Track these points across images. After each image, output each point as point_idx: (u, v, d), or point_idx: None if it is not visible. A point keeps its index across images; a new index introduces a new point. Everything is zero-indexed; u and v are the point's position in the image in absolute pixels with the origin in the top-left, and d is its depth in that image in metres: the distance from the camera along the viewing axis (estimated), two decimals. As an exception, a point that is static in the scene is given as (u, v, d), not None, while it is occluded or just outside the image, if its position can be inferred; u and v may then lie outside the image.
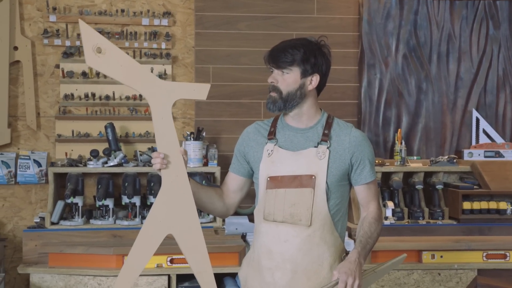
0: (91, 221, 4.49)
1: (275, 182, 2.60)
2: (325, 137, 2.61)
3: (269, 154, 2.65)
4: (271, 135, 2.68)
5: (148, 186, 4.52)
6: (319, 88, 2.68)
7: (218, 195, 2.73)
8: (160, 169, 2.46)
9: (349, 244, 3.87)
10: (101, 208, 4.53)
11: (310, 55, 2.60)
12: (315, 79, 2.63)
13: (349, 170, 2.63)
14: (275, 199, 2.59)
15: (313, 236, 2.55)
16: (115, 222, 4.47)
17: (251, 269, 2.69)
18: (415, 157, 4.96)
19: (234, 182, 2.78)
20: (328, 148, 2.59)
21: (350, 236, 4.31)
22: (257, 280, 2.65)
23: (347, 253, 2.63)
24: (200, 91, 2.53)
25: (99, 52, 2.40)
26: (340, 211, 2.63)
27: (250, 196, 4.72)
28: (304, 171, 2.57)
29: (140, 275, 4.07)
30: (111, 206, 4.50)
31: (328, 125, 2.65)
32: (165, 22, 4.91)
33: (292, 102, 2.61)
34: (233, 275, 4.30)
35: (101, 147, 4.64)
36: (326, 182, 2.56)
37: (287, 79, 2.60)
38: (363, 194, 2.67)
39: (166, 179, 2.48)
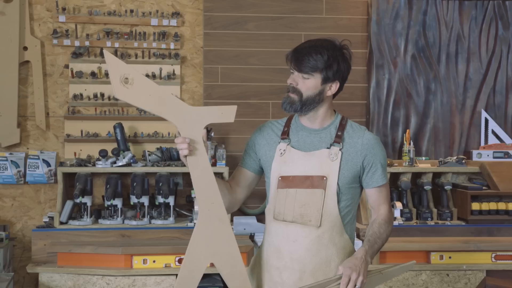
0: (100, 220, 4.50)
1: (287, 181, 2.60)
2: (338, 138, 2.61)
3: (281, 153, 2.65)
4: (285, 134, 2.68)
5: (156, 186, 4.53)
6: (336, 93, 2.66)
7: (227, 189, 2.69)
8: (186, 156, 2.45)
9: (357, 245, 3.85)
10: (110, 208, 4.54)
11: (334, 61, 2.58)
12: (334, 86, 2.62)
13: (361, 173, 2.62)
14: (286, 199, 2.59)
15: (322, 237, 2.55)
16: (123, 222, 4.48)
17: (260, 268, 2.69)
18: (423, 158, 4.95)
19: (244, 177, 2.76)
20: (340, 149, 2.59)
21: (358, 236, 4.30)
22: (265, 279, 2.65)
23: (355, 252, 2.63)
24: (228, 113, 2.50)
25: (127, 83, 2.34)
26: (350, 213, 2.62)
27: (257, 196, 4.73)
28: (316, 172, 2.57)
29: (148, 275, 4.12)
30: (119, 206, 4.51)
31: (342, 127, 2.64)
32: (174, 22, 4.92)
33: (309, 106, 2.60)
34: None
35: (109, 147, 4.66)
36: (338, 183, 2.56)
37: (308, 83, 2.58)
38: (374, 197, 2.67)
39: (194, 167, 2.46)
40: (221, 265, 2.47)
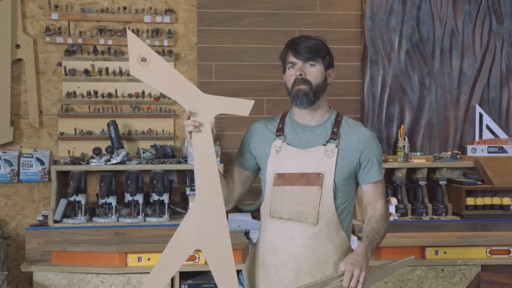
0: (94, 219, 4.48)
1: (283, 179, 2.59)
2: (334, 135, 2.60)
3: (277, 150, 2.64)
4: (280, 131, 2.67)
5: (151, 183, 4.51)
6: None
7: (225, 186, 2.67)
8: (191, 132, 2.46)
9: (352, 241, 3.86)
10: (104, 206, 4.53)
11: (328, 49, 2.64)
12: (332, 73, 2.67)
13: (357, 169, 2.62)
14: (282, 196, 2.58)
15: (319, 235, 2.55)
16: (118, 220, 4.46)
17: (256, 265, 2.69)
18: (418, 153, 4.95)
19: (239, 175, 2.76)
20: (336, 146, 2.58)
21: (353, 232, 4.30)
22: (262, 277, 2.64)
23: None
24: (243, 107, 2.50)
25: (143, 62, 2.40)
26: (346, 210, 2.62)
27: (252, 193, 4.72)
28: (312, 169, 2.56)
29: (143, 273, 4.10)
30: (114, 204, 4.49)
31: (337, 123, 2.64)
32: (167, 19, 4.91)
33: (319, 95, 2.61)
34: (236, 273, 4.28)
35: (103, 144, 4.64)
36: (334, 180, 2.55)
37: (314, 71, 2.59)
38: (371, 193, 2.67)
39: (198, 149, 2.48)
40: (210, 254, 2.47)
